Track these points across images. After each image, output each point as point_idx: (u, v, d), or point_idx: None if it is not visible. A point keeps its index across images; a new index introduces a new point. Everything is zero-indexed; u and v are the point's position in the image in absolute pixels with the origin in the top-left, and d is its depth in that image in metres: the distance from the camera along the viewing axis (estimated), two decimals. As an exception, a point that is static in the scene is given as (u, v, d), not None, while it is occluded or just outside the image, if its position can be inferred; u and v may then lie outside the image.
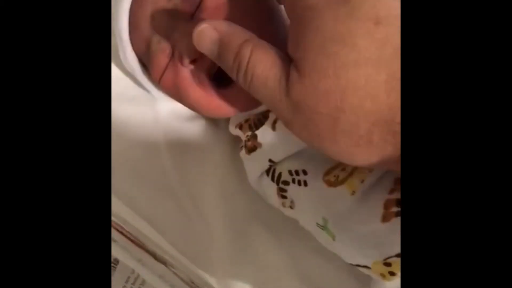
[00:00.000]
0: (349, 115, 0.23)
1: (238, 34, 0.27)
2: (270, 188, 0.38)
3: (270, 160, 0.37)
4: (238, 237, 0.40)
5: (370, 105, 0.23)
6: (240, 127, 0.39)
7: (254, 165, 0.38)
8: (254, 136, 0.37)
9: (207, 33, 0.28)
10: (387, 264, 0.32)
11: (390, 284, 0.33)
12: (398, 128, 0.23)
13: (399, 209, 0.31)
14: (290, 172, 0.36)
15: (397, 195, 0.32)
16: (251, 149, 0.37)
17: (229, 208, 0.41)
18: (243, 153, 0.39)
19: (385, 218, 0.32)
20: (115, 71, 0.43)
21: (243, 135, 0.39)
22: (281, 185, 0.37)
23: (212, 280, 0.37)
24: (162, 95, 0.42)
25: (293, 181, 0.36)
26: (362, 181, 0.33)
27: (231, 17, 0.33)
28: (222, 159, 0.42)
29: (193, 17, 0.35)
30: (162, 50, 0.36)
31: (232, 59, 0.27)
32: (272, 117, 0.36)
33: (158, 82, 0.38)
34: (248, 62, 0.26)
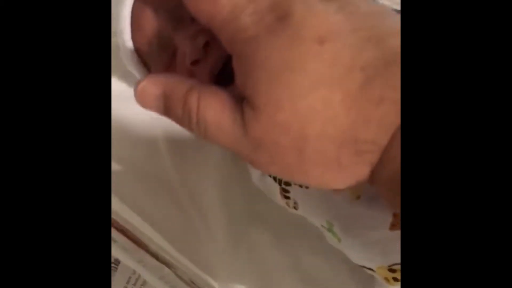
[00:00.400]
0: (314, 143, 0.23)
1: (180, 84, 0.26)
2: (273, 188, 0.38)
3: None
4: (238, 237, 0.40)
5: (332, 129, 0.22)
6: None
7: None
8: None
9: (149, 90, 0.26)
10: (392, 271, 0.32)
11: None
12: (363, 146, 0.22)
13: None
14: None
15: None
16: None
17: (229, 208, 0.41)
18: None
19: (394, 226, 0.31)
20: (115, 71, 0.43)
21: None
22: (283, 186, 0.36)
23: (211, 281, 0.37)
24: None
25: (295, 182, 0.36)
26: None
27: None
28: (222, 159, 0.42)
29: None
30: (164, 51, 0.36)
31: (181, 110, 0.25)
32: None
33: None
34: (197, 111, 0.25)
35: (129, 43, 0.39)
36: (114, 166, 0.28)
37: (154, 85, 0.26)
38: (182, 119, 0.26)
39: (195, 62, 0.33)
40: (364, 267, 0.35)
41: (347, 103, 0.22)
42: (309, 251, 0.40)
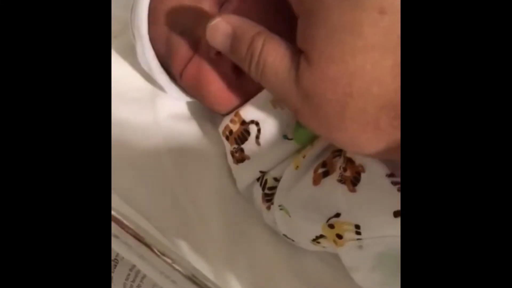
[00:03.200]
0: (357, 100, 0.24)
1: (250, 27, 0.28)
2: (257, 194, 0.39)
3: (261, 171, 0.38)
4: (235, 235, 0.41)
5: (377, 89, 0.23)
6: (227, 138, 0.40)
7: (243, 174, 0.40)
8: (241, 150, 0.38)
9: (221, 27, 0.29)
10: (331, 226, 0.33)
11: (345, 251, 0.34)
12: None
13: (325, 169, 0.33)
14: (275, 179, 0.38)
15: (322, 159, 0.34)
16: (239, 160, 0.39)
17: (227, 208, 0.42)
18: (230, 161, 0.40)
19: (315, 181, 0.34)
20: (115, 72, 0.44)
21: (229, 146, 0.40)
22: (266, 191, 0.38)
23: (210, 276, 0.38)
24: (175, 92, 0.43)
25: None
26: (304, 156, 0.35)
27: (255, 7, 0.35)
28: (222, 158, 0.43)
29: (222, 6, 0.36)
30: (185, 43, 0.38)
31: (245, 50, 0.27)
32: (253, 132, 0.38)
33: (179, 75, 0.40)
34: (260, 53, 0.27)
35: (146, 39, 0.40)
36: (114, 166, 0.29)
37: (226, 23, 0.29)
38: (244, 59, 0.28)
39: (218, 53, 0.35)
40: (317, 237, 0.35)
41: (395, 69, 0.23)
42: (306, 250, 0.40)
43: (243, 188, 0.41)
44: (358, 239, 0.32)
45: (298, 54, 0.26)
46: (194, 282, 0.26)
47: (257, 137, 0.37)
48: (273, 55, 0.26)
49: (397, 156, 0.24)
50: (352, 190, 0.32)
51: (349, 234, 0.33)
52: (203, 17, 0.36)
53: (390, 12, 0.23)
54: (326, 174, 0.34)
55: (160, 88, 0.44)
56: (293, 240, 0.39)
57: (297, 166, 0.35)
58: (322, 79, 0.24)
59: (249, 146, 0.38)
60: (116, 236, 0.27)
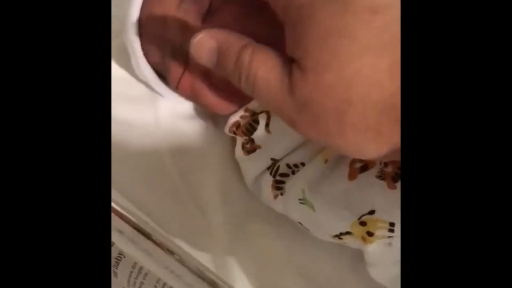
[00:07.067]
0: (357, 106, 0.23)
1: (236, 40, 0.27)
2: (266, 184, 0.39)
3: (272, 159, 0.38)
4: (236, 230, 0.41)
5: (376, 93, 0.23)
6: (234, 133, 0.40)
7: (254, 164, 0.40)
8: (252, 140, 0.38)
9: (205, 43, 0.28)
10: (363, 224, 0.33)
11: (372, 248, 0.34)
12: None
13: (363, 164, 0.32)
14: (288, 166, 0.37)
15: None
16: (250, 151, 0.39)
17: (228, 204, 0.42)
18: (239, 154, 0.40)
19: (351, 176, 0.33)
20: (114, 72, 0.44)
21: (240, 139, 0.40)
22: (278, 177, 0.38)
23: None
24: (175, 98, 0.44)
25: (293, 172, 0.37)
26: None
27: (240, 16, 0.35)
28: (223, 157, 0.43)
29: (205, 20, 0.37)
30: (177, 57, 0.38)
31: (233, 65, 0.26)
32: (262, 122, 0.37)
33: (176, 87, 0.40)
34: (249, 66, 0.26)
35: (140, 54, 0.40)
36: (115, 165, 0.29)
37: (210, 39, 0.28)
38: (232, 73, 0.27)
39: None
40: (342, 234, 0.35)
41: (393, 70, 0.23)
42: (307, 243, 0.41)
43: (251, 180, 0.40)
44: (389, 236, 0.32)
45: (289, 63, 0.25)
46: (200, 277, 0.26)
47: (267, 124, 0.37)
48: (263, 67, 0.25)
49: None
50: (392, 186, 0.31)
51: (381, 232, 0.32)
52: (189, 31, 0.36)
53: (382, 11, 0.23)
54: (364, 169, 0.33)
55: (159, 94, 0.44)
56: (308, 230, 0.38)
57: (326, 160, 0.35)
58: (319, 87, 0.24)
59: (259, 135, 0.37)
60: (121, 232, 0.27)
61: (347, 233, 0.34)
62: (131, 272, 0.32)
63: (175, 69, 0.39)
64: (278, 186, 0.38)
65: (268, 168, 0.39)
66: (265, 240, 0.41)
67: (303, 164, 0.37)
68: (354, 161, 0.33)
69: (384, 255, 0.34)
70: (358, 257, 0.39)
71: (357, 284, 0.39)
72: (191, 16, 0.37)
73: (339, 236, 0.35)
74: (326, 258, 0.41)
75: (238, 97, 0.38)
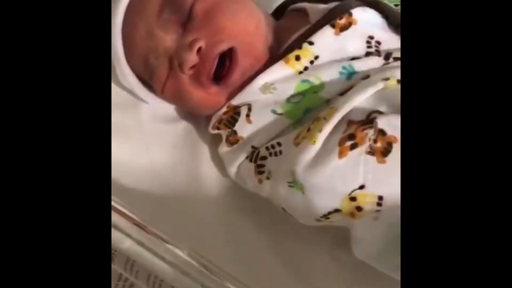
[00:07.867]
0: None
1: None
2: (249, 171, 0.41)
3: (252, 147, 0.41)
4: (222, 222, 0.43)
5: None
6: (217, 128, 0.43)
7: (236, 154, 0.42)
8: (234, 132, 0.41)
9: None
10: (353, 199, 0.35)
11: (360, 223, 0.36)
12: None
13: (353, 142, 0.35)
14: (267, 148, 0.40)
15: (348, 132, 0.35)
16: (233, 143, 0.42)
17: (220, 200, 0.45)
18: (223, 148, 0.43)
19: (341, 154, 0.35)
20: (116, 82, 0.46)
21: (224, 133, 0.43)
22: (259, 162, 0.40)
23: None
24: (159, 103, 0.46)
25: (270, 154, 0.40)
26: (320, 131, 0.36)
27: (220, 23, 0.39)
28: (205, 156, 0.46)
29: (185, 27, 0.40)
30: (161, 64, 0.41)
31: None
32: (244, 112, 0.41)
33: (161, 93, 0.43)
34: None
35: (124, 63, 0.43)
36: (114, 164, 0.31)
37: None
38: None
39: (193, 67, 0.39)
40: (330, 213, 0.36)
41: None
42: (290, 234, 0.43)
43: (234, 171, 0.43)
44: (377, 210, 0.34)
45: None
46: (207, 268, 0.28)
47: (248, 115, 0.40)
48: None
49: None
50: (382, 161, 0.34)
51: (370, 206, 0.34)
52: (171, 37, 0.40)
53: None
54: (354, 146, 0.35)
55: (144, 100, 0.47)
56: (291, 215, 0.40)
57: (314, 141, 0.36)
58: None
59: (240, 125, 0.41)
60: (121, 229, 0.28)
61: (336, 211, 0.36)
62: (125, 268, 0.33)
63: (159, 75, 0.42)
64: (260, 170, 0.40)
65: (247, 157, 0.41)
66: (248, 230, 0.43)
67: (279, 144, 0.39)
68: (342, 140, 0.35)
69: (371, 229, 0.36)
70: (338, 242, 0.41)
71: (337, 269, 0.41)
72: (171, 25, 0.40)
73: (326, 215, 0.37)
74: (307, 246, 0.43)
75: (222, 96, 0.42)
